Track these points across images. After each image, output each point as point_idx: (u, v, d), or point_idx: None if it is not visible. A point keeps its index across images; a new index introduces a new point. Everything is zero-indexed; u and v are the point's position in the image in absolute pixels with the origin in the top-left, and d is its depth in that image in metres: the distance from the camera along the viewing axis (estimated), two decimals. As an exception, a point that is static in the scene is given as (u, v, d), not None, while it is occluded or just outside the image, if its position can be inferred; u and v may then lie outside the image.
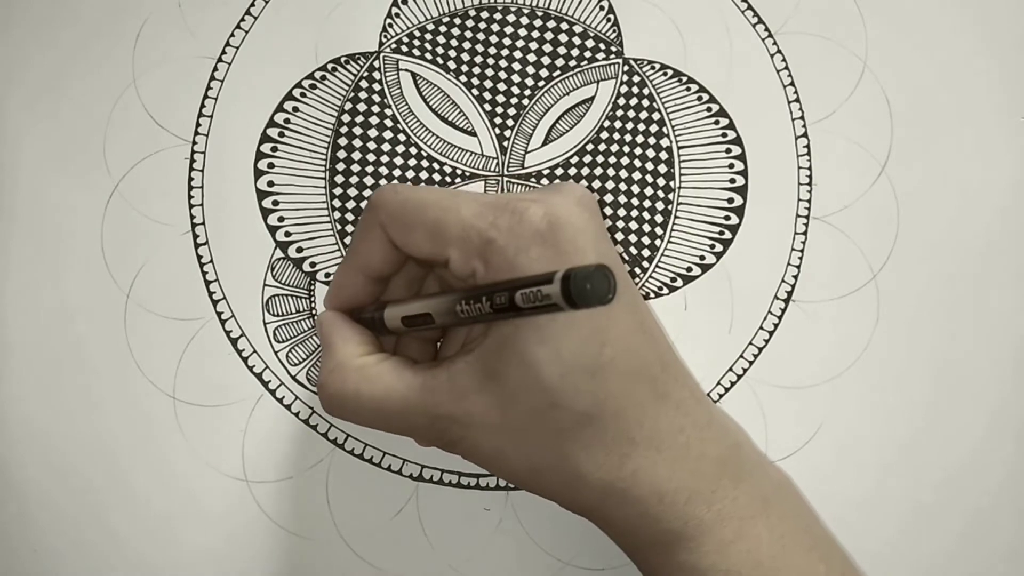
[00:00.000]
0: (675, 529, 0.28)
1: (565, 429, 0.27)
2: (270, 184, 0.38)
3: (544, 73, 0.39)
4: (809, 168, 0.38)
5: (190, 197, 0.38)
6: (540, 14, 0.39)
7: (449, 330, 0.32)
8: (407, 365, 0.29)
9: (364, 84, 0.38)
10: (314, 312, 0.37)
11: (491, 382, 0.27)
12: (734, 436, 0.30)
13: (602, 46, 0.39)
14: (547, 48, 0.39)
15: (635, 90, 0.39)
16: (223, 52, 0.38)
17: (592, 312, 0.24)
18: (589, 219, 0.27)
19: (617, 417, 0.27)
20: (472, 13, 0.39)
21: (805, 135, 0.38)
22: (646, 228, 0.38)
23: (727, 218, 0.38)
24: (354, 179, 0.38)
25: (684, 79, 0.39)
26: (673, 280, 0.38)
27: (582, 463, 0.27)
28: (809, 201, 0.38)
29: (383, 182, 0.38)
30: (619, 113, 0.38)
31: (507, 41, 0.39)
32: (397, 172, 0.38)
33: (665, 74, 0.39)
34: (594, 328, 0.26)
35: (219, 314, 0.37)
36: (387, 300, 0.31)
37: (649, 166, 0.38)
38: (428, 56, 0.39)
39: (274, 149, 0.38)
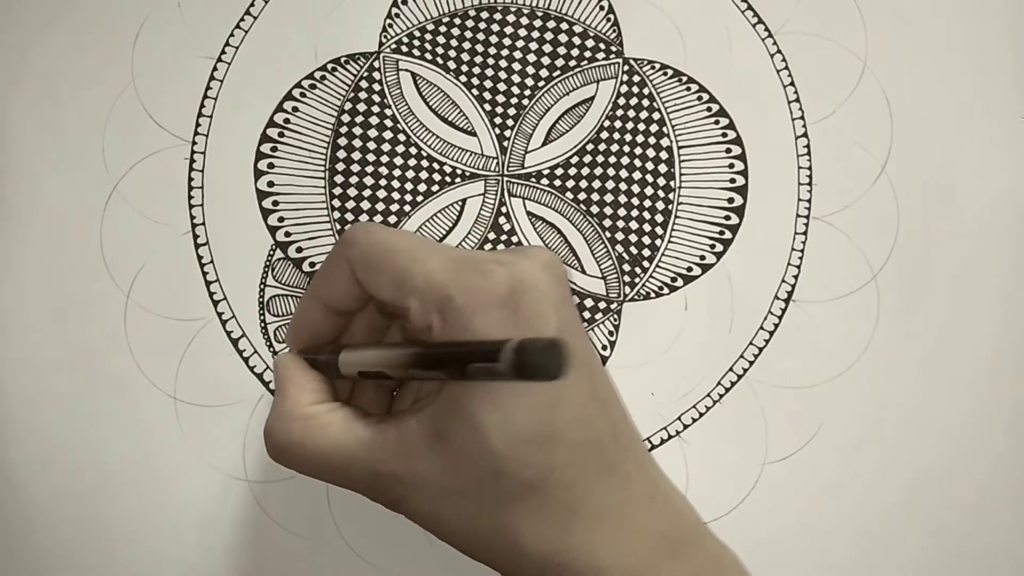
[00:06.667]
0: None
1: (508, 498, 0.26)
2: (270, 184, 0.38)
3: (544, 73, 0.39)
4: (809, 168, 0.38)
5: (190, 197, 0.38)
6: (540, 14, 0.39)
7: (405, 380, 0.32)
8: (357, 417, 0.28)
9: (364, 84, 0.38)
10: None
11: (438, 443, 0.26)
12: (675, 506, 0.29)
13: (602, 46, 0.39)
14: (547, 48, 0.39)
15: (635, 90, 0.39)
16: (223, 52, 0.38)
17: None
18: (555, 285, 0.27)
19: (562, 489, 0.26)
20: (472, 13, 0.39)
21: (805, 135, 0.38)
22: (646, 228, 0.38)
23: (727, 218, 0.38)
24: (354, 179, 0.38)
25: (684, 79, 0.39)
26: (673, 280, 0.38)
27: (523, 534, 0.26)
28: (809, 201, 0.38)
29: (383, 182, 0.38)
30: (619, 113, 0.38)
31: (507, 41, 0.39)
32: (397, 172, 0.38)
33: (665, 74, 0.39)
34: (546, 396, 0.26)
35: (220, 314, 0.37)
36: (344, 343, 0.31)
37: (649, 166, 0.38)
38: (428, 56, 0.39)
39: (274, 149, 0.38)
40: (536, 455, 0.26)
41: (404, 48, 0.39)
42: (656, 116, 0.38)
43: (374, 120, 0.38)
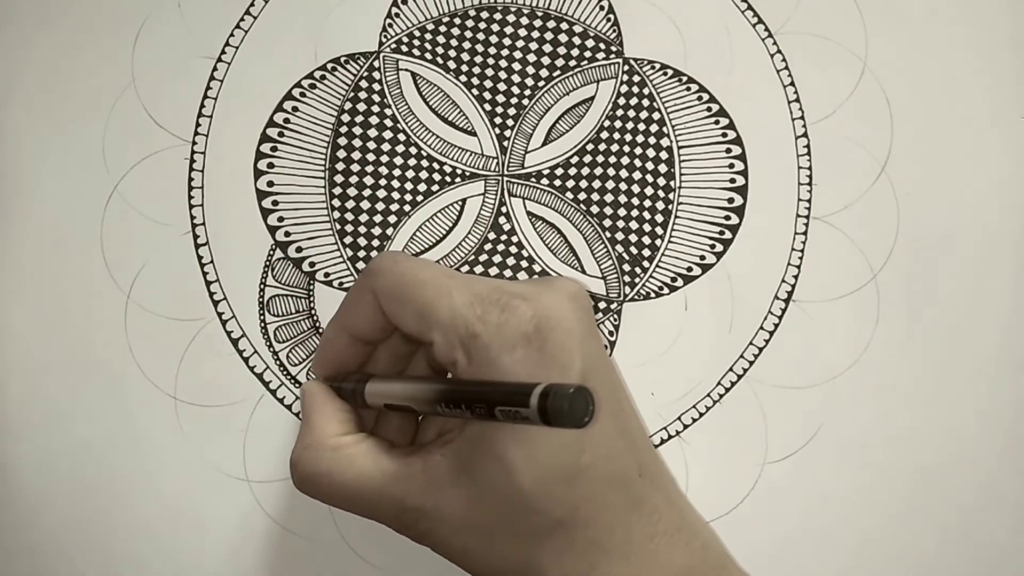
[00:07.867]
0: None
1: (535, 534, 0.26)
2: (270, 184, 0.38)
3: (544, 73, 0.39)
4: (809, 168, 0.38)
5: (190, 197, 0.38)
6: (540, 14, 0.39)
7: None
8: (383, 449, 0.28)
9: (364, 84, 0.38)
10: (314, 312, 0.37)
11: (464, 478, 0.27)
12: (702, 539, 0.29)
13: (602, 46, 0.39)
14: (547, 48, 0.39)
15: (635, 90, 0.39)
16: (223, 52, 0.38)
17: None
18: (580, 319, 0.27)
19: (589, 524, 0.26)
20: (472, 13, 0.39)
21: (805, 135, 0.38)
22: (646, 228, 0.38)
23: (727, 218, 0.38)
24: (354, 179, 0.38)
25: (684, 79, 0.39)
26: (673, 280, 0.38)
27: (550, 570, 0.27)
28: (809, 201, 0.38)
29: (383, 182, 0.38)
30: (619, 113, 0.38)
31: (507, 41, 0.39)
32: (397, 172, 0.38)
33: (665, 74, 0.39)
34: (572, 433, 0.26)
35: (220, 314, 0.37)
36: (370, 373, 0.31)
37: (649, 166, 0.38)
38: (428, 56, 0.39)
39: (274, 149, 0.38)
40: (563, 492, 0.26)
41: (404, 48, 0.39)
42: (656, 116, 0.38)
43: (374, 120, 0.38)
